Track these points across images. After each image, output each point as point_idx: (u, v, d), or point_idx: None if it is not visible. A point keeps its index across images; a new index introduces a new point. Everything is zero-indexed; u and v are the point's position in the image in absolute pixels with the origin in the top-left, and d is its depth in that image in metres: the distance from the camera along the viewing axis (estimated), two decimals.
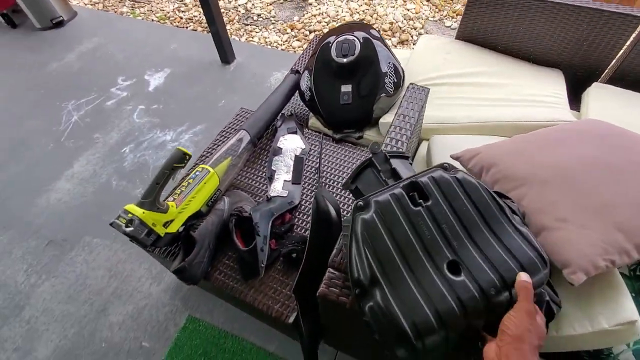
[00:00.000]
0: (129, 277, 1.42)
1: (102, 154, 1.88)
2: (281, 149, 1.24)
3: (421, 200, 0.56)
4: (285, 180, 1.16)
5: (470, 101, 1.16)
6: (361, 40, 1.21)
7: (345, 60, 1.21)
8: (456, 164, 0.94)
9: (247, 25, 2.71)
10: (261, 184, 1.19)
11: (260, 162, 1.25)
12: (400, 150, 0.81)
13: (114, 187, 1.74)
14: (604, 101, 1.18)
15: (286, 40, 2.54)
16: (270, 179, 1.17)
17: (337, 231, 0.98)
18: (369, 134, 1.27)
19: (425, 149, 1.12)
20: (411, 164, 0.72)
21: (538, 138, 0.80)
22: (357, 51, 1.20)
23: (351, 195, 1.14)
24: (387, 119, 1.22)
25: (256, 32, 2.62)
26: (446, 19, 2.52)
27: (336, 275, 0.65)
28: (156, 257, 1.09)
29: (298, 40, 2.53)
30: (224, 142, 1.21)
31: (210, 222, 1.00)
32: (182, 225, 0.99)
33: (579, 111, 1.22)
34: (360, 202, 0.57)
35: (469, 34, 1.44)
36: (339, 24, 2.60)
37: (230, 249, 1.03)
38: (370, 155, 0.69)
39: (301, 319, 0.83)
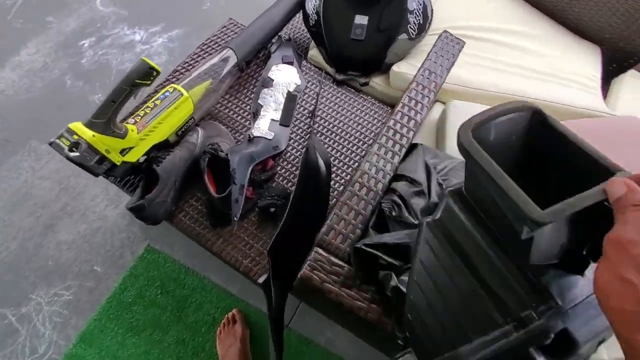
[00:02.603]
0: (82, 194, 1.27)
1: (56, 43, 1.56)
2: (272, 80, 1.05)
3: None
4: (272, 120, 0.99)
5: (501, 65, 1.00)
6: None
7: None
8: None
9: None
10: (244, 119, 1.02)
11: (246, 92, 1.06)
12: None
13: (68, 86, 1.48)
14: (635, 93, 1.07)
15: None
16: (255, 115, 1.00)
17: (326, 189, 0.87)
18: (377, 82, 1.10)
19: (439, 114, 0.98)
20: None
21: (579, 130, 0.68)
22: None
23: (347, 147, 1.00)
24: (401, 67, 1.04)
25: None
26: None
27: (324, 257, 0.55)
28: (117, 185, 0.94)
29: None
30: (204, 58, 0.99)
31: (179, 157, 0.84)
32: (143, 155, 0.84)
33: (605, 95, 1.11)
34: None
35: None
36: None
37: (199, 189, 0.90)
38: None
39: (272, 283, 0.75)
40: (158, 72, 0.77)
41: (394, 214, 0.58)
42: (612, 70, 1.19)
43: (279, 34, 1.13)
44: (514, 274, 0.35)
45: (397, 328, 0.51)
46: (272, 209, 0.86)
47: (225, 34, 1.13)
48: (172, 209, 0.86)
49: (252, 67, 1.09)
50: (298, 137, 1.01)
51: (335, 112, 1.05)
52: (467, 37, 1.05)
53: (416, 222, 0.56)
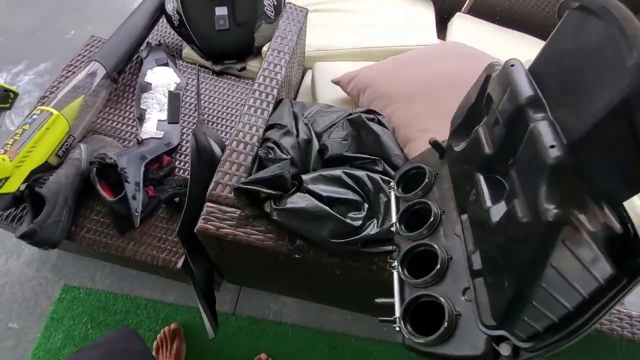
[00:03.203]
0: None
1: None
2: (150, 84, 1.06)
3: None
4: (159, 120, 1.01)
5: (349, 27, 1.15)
6: None
7: None
8: (337, 88, 0.94)
9: None
10: (130, 127, 1.02)
11: (126, 101, 1.06)
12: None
13: None
14: (464, 29, 1.30)
15: None
16: (141, 119, 1.01)
17: None
18: (253, 65, 1.18)
19: (310, 78, 1.09)
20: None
21: (407, 59, 0.83)
22: None
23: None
24: None
25: None
26: None
27: (214, 208, 0.61)
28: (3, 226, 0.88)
29: None
30: (71, 78, 0.97)
31: (64, 175, 0.83)
32: (24, 182, 0.80)
33: (445, 39, 1.33)
34: None
35: None
36: None
37: (97, 202, 0.89)
38: None
39: (190, 262, 0.78)
40: (15, 94, 0.76)
41: (270, 156, 0.65)
42: (446, 18, 1.42)
43: (148, 40, 1.15)
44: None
45: (289, 244, 0.58)
46: (176, 199, 0.88)
47: (90, 51, 1.11)
48: (71, 228, 0.84)
49: (126, 76, 1.10)
50: (190, 129, 1.04)
51: (220, 99, 1.11)
52: (318, 11, 1.19)
53: (288, 157, 0.64)
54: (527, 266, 0.30)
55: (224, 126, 1.07)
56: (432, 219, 0.45)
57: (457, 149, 0.45)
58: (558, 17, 0.34)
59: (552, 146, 0.29)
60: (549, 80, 0.34)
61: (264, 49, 1.16)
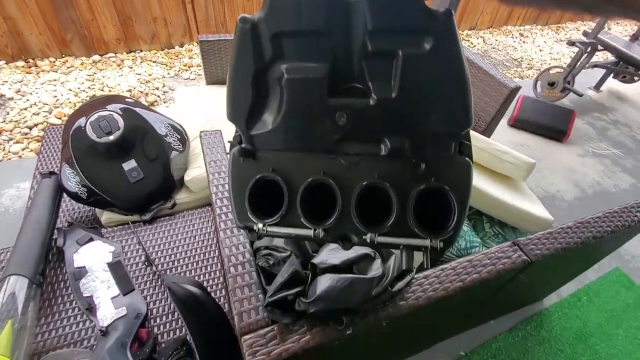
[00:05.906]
0: None
1: None
2: (83, 267, 0.96)
3: None
4: (112, 297, 0.91)
5: None
6: (120, 112, 1.09)
7: (112, 137, 1.06)
8: None
9: None
10: (81, 324, 0.88)
11: (62, 299, 0.92)
12: None
13: None
14: None
15: None
16: (90, 309, 0.89)
17: (212, 305, 0.87)
18: (181, 197, 1.18)
19: None
20: None
21: None
22: (121, 124, 1.07)
23: (201, 260, 1.02)
24: (190, 174, 1.17)
25: None
26: (181, 72, 2.62)
27: (252, 337, 0.58)
28: None
29: (17, 142, 1.99)
30: None
31: None
32: None
33: None
34: None
35: (217, 78, 1.56)
36: (68, 109, 2.23)
37: None
38: None
39: None
40: None
41: (271, 262, 0.67)
42: None
43: (57, 226, 1.05)
44: None
45: (337, 326, 0.59)
46: None
47: None
48: None
49: (50, 273, 0.96)
50: (151, 289, 0.95)
51: (167, 243, 1.06)
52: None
53: (288, 252, 0.67)
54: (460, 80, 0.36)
55: (183, 266, 1.01)
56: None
57: (272, 125, 0.42)
58: None
59: None
60: None
61: (186, 177, 1.18)
